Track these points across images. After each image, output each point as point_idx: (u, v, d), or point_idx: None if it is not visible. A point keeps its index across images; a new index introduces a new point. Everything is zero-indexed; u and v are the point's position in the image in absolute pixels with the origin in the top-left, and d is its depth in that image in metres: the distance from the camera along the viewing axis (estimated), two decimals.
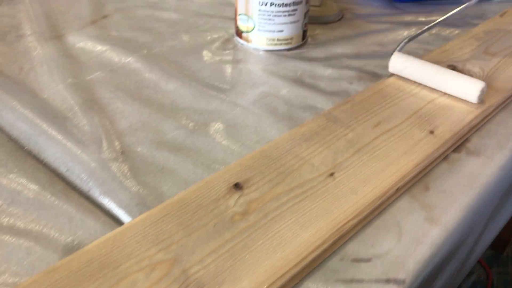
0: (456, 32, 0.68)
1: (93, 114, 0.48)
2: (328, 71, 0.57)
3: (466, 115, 0.47)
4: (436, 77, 0.50)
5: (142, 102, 0.50)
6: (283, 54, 0.61)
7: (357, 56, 0.61)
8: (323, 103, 0.51)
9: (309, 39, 0.65)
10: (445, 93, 0.50)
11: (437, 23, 0.59)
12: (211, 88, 0.53)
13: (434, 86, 0.51)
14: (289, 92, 0.53)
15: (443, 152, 0.43)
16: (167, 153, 0.43)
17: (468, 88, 0.49)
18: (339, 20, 0.71)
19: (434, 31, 0.68)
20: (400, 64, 0.53)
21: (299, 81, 0.55)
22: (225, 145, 0.44)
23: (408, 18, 0.72)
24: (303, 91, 0.53)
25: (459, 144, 0.45)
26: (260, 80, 0.55)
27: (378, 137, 0.43)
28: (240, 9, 0.61)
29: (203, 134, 0.46)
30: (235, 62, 0.59)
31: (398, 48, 0.56)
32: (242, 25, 0.62)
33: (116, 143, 0.44)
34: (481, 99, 0.48)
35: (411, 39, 0.57)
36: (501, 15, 0.70)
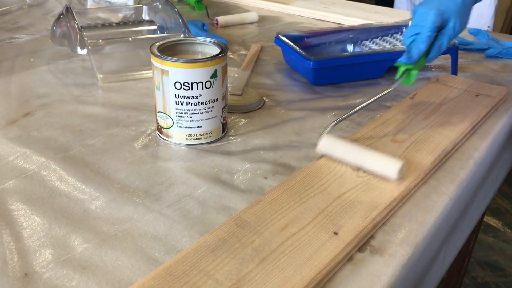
0: (370, 116, 0.72)
1: (0, 230, 0.47)
2: (245, 166, 0.59)
3: (371, 212, 0.49)
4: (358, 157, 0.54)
5: (53, 212, 0.50)
6: (203, 148, 0.63)
7: (274, 147, 0.63)
8: (237, 202, 0.52)
9: (230, 130, 0.67)
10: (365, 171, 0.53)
11: (358, 110, 0.63)
12: (127, 191, 0.53)
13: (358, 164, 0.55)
14: (204, 192, 0.54)
15: (347, 254, 0.44)
16: (72, 272, 0.42)
17: (387, 168, 0.54)
18: (260, 107, 0.74)
19: (349, 117, 0.72)
20: (328, 145, 0.58)
21: (216, 178, 0.56)
22: (132, 261, 0.44)
23: (326, 103, 0.76)
24: (219, 189, 0.54)
25: (364, 242, 0.47)
26: (177, 180, 0.56)
27: (284, 242, 0.44)
28: (159, 107, 0.63)
29: (112, 247, 0.45)
30: (155, 159, 0.60)
31: (326, 131, 0.60)
32: (161, 121, 0.63)
33: (20, 264, 0.43)
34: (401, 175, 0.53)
35: (338, 122, 0.62)
36: (411, 97, 0.75)
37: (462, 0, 0.64)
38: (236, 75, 0.83)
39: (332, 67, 0.80)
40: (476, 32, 1.08)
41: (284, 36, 0.88)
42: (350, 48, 0.93)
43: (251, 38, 1.06)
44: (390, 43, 0.91)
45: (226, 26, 1.12)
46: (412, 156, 0.59)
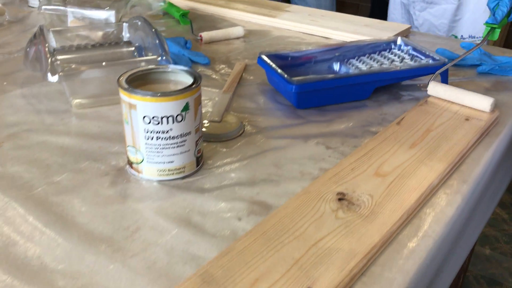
0: (354, 144, 0.69)
1: None
2: (218, 205, 0.56)
3: (348, 262, 0.46)
4: None
5: (8, 265, 0.46)
6: (176, 184, 0.59)
7: (252, 182, 0.60)
8: (207, 250, 0.49)
9: (206, 161, 0.64)
10: None
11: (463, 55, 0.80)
12: (89, 238, 0.50)
13: None
14: (173, 238, 0.50)
15: None
16: None
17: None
18: (240, 135, 0.71)
19: (331, 145, 0.68)
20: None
21: (186, 221, 0.53)
22: None
23: (309, 130, 0.73)
24: (189, 234, 0.51)
25: None
26: (145, 224, 0.52)
27: None
28: (128, 141, 0.59)
29: None
30: (123, 199, 0.56)
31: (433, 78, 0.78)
32: (131, 156, 0.60)
33: None
34: None
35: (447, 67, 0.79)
36: (398, 122, 0.72)
37: None
38: (217, 99, 0.80)
39: (316, 90, 0.77)
40: (468, 46, 1.05)
41: (268, 55, 0.85)
42: (336, 66, 0.90)
43: (236, 55, 1.02)
44: (377, 62, 0.88)
45: (211, 42, 1.08)
46: (395, 192, 0.56)
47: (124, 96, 0.56)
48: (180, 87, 0.60)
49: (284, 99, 0.82)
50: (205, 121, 0.72)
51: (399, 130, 0.69)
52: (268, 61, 0.82)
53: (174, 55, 0.97)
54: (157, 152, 0.58)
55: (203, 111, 0.76)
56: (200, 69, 0.94)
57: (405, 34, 1.13)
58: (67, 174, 0.61)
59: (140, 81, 0.61)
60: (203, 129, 0.69)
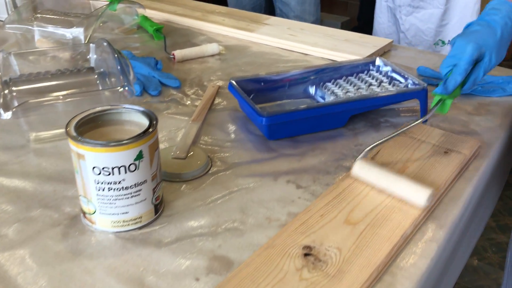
0: (326, 182, 0.65)
1: None
2: (176, 261, 0.52)
3: None
4: None
5: None
6: (132, 236, 0.55)
7: (214, 232, 0.56)
8: None
9: (167, 206, 0.60)
10: None
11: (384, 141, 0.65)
12: None
13: None
14: None
15: None
16: None
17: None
18: (206, 172, 0.67)
19: (302, 183, 0.64)
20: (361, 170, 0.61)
21: (139, 283, 0.49)
22: None
23: (280, 165, 0.68)
24: None
25: None
26: (94, 287, 0.48)
27: None
28: (79, 190, 0.55)
29: None
30: (73, 256, 0.52)
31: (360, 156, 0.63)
32: (83, 206, 0.56)
33: None
34: None
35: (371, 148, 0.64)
36: (372, 157, 0.68)
37: (501, 35, 0.67)
38: (184, 130, 0.76)
39: (288, 122, 0.73)
40: (424, 70, 1.01)
41: (238, 81, 0.80)
42: (312, 90, 0.86)
43: (210, 75, 0.98)
44: (354, 85, 0.84)
45: (184, 60, 1.04)
46: (366, 244, 0.52)
47: (72, 145, 0.52)
48: (134, 129, 0.56)
49: (255, 128, 0.78)
50: (171, 155, 0.68)
51: (375, 163, 0.65)
52: (239, 88, 0.78)
53: (143, 77, 0.92)
54: (110, 203, 0.54)
55: (166, 146, 0.71)
56: (171, 92, 0.90)
57: (387, 49, 1.09)
58: (16, 226, 0.56)
59: (92, 124, 0.57)
60: (166, 169, 0.65)
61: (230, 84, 0.80)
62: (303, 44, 1.08)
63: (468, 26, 0.70)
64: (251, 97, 0.81)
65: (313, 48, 1.07)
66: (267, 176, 0.66)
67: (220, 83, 0.94)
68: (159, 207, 0.58)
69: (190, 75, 0.98)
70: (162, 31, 1.17)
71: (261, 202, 0.61)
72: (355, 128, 0.78)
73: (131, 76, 0.79)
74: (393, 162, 0.66)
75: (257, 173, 0.67)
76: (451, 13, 1.56)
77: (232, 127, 0.79)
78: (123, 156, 0.51)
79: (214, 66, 1.03)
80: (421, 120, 0.67)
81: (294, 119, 0.72)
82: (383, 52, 1.08)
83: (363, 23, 3.32)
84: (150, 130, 0.53)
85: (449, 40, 1.61)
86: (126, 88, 0.73)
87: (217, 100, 0.87)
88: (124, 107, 0.58)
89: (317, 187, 0.64)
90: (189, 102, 0.87)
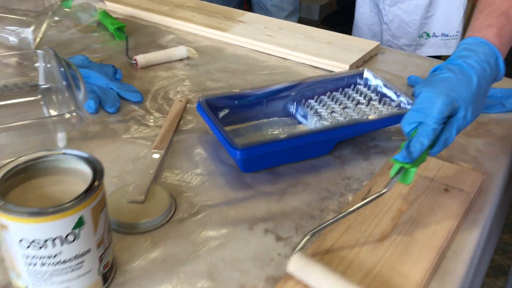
0: (311, 230, 0.55)
1: None
2: None
3: None
4: None
5: None
6: None
7: None
8: None
9: (119, 269, 0.50)
10: None
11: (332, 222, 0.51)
12: None
13: None
14: None
15: None
16: None
17: None
18: (169, 220, 0.56)
19: (283, 233, 0.55)
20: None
21: None
22: None
23: (257, 208, 0.58)
24: None
25: None
26: None
27: None
28: (7, 261, 0.44)
29: None
30: None
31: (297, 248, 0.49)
32: (13, 280, 0.45)
33: None
34: None
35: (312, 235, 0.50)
36: (364, 197, 0.58)
37: (477, 85, 0.53)
38: (144, 160, 0.65)
39: (266, 154, 0.63)
40: (415, 80, 0.92)
41: (209, 100, 0.70)
42: (292, 108, 0.76)
43: (178, 84, 0.86)
44: (340, 103, 0.74)
45: (148, 66, 0.92)
46: None
47: None
48: (75, 180, 0.45)
49: (228, 156, 0.67)
50: (127, 198, 0.58)
51: (363, 212, 0.56)
52: (209, 111, 0.67)
53: (100, 89, 0.81)
54: (45, 279, 0.43)
55: (121, 186, 0.60)
56: (132, 107, 0.79)
57: (374, 52, 0.99)
58: None
59: (23, 174, 0.46)
60: (120, 217, 0.54)
61: (199, 104, 0.69)
62: (282, 47, 0.97)
63: (436, 69, 0.56)
64: (224, 114, 0.71)
65: (293, 53, 0.96)
66: (242, 224, 0.56)
67: (189, 95, 0.83)
68: (108, 275, 0.47)
69: (155, 86, 0.86)
70: (124, 29, 1.04)
71: (234, 263, 0.51)
72: (342, 156, 0.68)
73: (82, 94, 0.67)
74: (386, 206, 0.57)
75: (230, 220, 0.57)
76: (436, 4, 1.47)
77: (201, 155, 0.68)
78: (58, 225, 0.41)
79: (182, 73, 0.91)
80: (381, 193, 0.51)
81: (272, 151, 0.62)
82: (369, 57, 0.98)
83: (342, 7, 3.21)
84: (94, 187, 0.43)
85: (434, 33, 1.53)
86: (74, 113, 0.61)
87: (185, 118, 0.77)
88: (62, 153, 0.47)
89: (300, 238, 0.54)
90: (152, 121, 0.75)
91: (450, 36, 1.51)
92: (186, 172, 0.64)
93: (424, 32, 1.51)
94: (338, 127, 0.65)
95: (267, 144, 0.62)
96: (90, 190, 0.42)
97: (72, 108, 0.62)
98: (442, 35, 1.54)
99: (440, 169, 0.64)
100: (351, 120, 0.69)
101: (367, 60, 0.97)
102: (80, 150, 0.47)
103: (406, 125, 0.53)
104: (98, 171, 0.45)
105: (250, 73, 0.92)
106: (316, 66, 0.94)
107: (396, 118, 0.69)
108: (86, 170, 0.45)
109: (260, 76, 0.90)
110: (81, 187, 0.43)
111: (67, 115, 0.61)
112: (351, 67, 0.91)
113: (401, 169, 0.51)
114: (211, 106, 0.69)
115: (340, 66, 0.91)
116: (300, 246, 0.49)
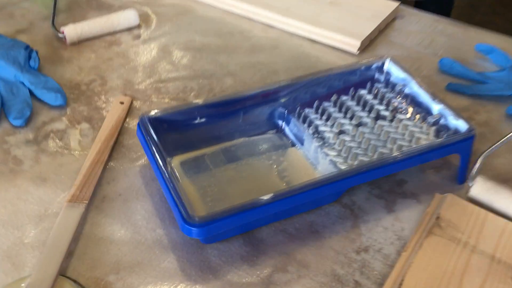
0: None
1: None
2: None
3: None
4: None
5: None
6: None
7: None
8: None
9: None
10: None
11: None
12: None
13: None
14: None
15: None
16: None
17: None
18: None
19: None
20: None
21: None
22: None
23: None
24: None
25: None
26: None
27: None
28: None
29: None
30: None
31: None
32: None
33: None
34: None
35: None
36: None
37: None
38: (53, 225, 0.42)
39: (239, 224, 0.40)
40: (488, 50, 0.67)
41: (158, 119, 0.46)
42: (282, 121, 0.52)
43: (120, 70, 0.61)
44: (351, 116, 0.50)
45: (81, 41, 0.66)
46: None
47: None
48: None
49: None
50: None
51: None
52: (156, 142, 0.43)
53: (4, 85, 0.56)
54: None
55: (7, 284, 0.38)
56: (50, 115, 0.54)
57: (391, 18, 0.74)
58: None
59: None
60: None
61: (140, 126, 0.45)
62: (270, 11, 0.71)
63: None
64: (181, 136, 0.48)
65: (285, 19, 0.70)
66: None
67: (137, 89, 0.58)
68: None
69: (88, 75, 0.61)
70: None
71: None
72: (354, 203, 0.46)
73: None
74: None
75: None
76: None
77: (144, 209, 0.45)
78: None
79: (126, 53, 0.65)
80: None
81: (247, 222, 0.40)
82: (385, 25, 0.73)
83: None
84: None
85: None
86: None
87: (127, 130, 0.53)
88: None
89: None
90: (76, 141, 0.51)
91: None
92: (118, 244, 0.42)
93: None
94: (352, 175, 0.42)
95: (242, 214, 0.38)
96: None
97: None
98: None
99: (505, 230, 0.42)
100: (371, 162, 0.45)
101: (382, 29, 0.72)
102: None
103: None
104: None
105: (225, 50, 0.66)
106: (315, 39, 0.68)
107: (440, 151, 0.46)
108: None
109: (238, 57, 0.65)
110: None
111: None
112: (363, 43, 0.66)
113: None
114: (161, 126, 0.45)
115: (348, 42, 0.66)
116: (476, 168, 0.45)
